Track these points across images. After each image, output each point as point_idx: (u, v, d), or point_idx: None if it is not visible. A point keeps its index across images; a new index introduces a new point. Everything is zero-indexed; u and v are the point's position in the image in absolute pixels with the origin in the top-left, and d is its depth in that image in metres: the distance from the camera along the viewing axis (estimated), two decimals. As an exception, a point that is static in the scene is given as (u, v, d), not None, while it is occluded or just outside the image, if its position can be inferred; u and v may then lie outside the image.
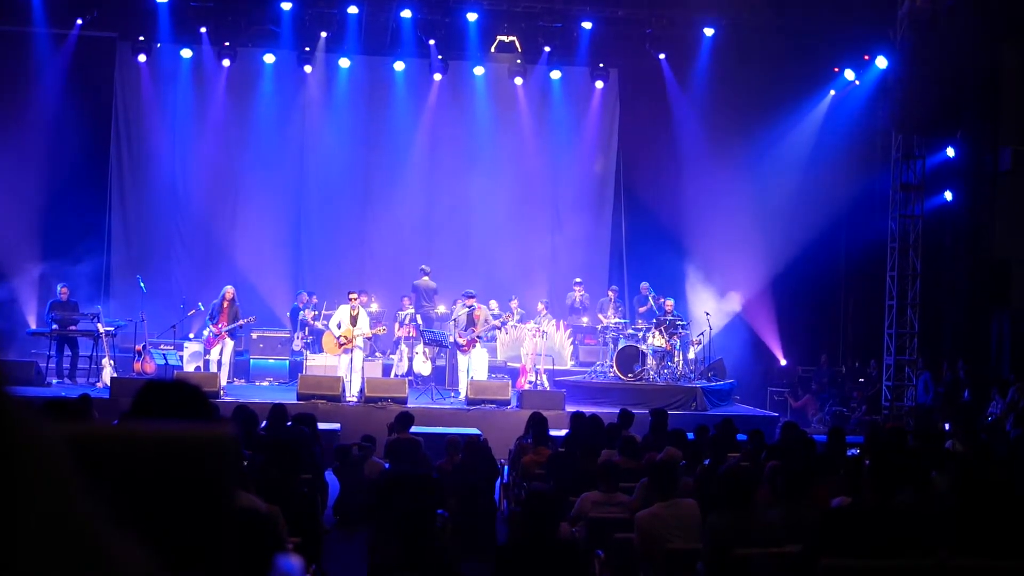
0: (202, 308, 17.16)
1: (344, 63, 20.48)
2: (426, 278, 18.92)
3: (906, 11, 17.62)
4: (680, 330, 17.63)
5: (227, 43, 19.55)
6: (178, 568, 0.99)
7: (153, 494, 0.99)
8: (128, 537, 0.90)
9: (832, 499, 6.58)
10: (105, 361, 16.58)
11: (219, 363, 16.38)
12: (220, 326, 16.35)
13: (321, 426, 12.73)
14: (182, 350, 17.42)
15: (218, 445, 1.02)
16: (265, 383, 17.62)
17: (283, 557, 4.02)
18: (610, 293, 19.28)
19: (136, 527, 0.97)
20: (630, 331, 17.80)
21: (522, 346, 18.13)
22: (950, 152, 19.62)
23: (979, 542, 4.98)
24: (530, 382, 17.34)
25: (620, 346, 17.45)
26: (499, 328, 18.08)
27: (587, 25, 19.78)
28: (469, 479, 9.45)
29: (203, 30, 19.40)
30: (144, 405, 2.37)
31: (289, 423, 10.32)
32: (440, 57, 20.20)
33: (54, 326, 16.62)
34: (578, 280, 19.86)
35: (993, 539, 4.99)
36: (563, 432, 10.78)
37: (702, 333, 18.24)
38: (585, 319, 19.45)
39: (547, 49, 20.27)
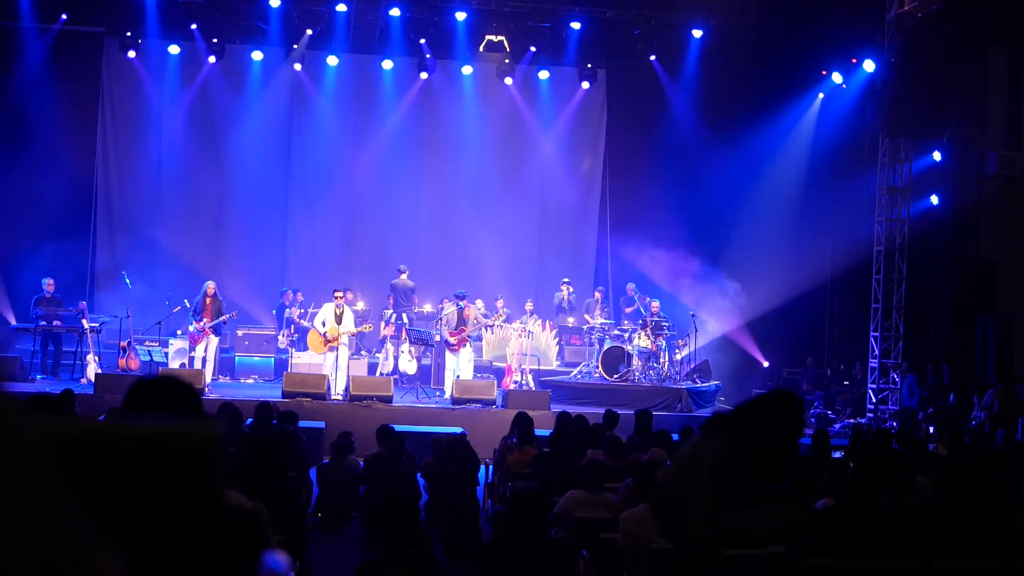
0: (187, 305, 17.10)
1: (332, 61, 20.44)
2: (404, 276, 18.77)
3: (894, 15, 17.70)
4: (666, 331, 17.64)
5: (215, 39, 19.50)
6: (165, 566, 0.98)
7: (140, 491, 0.98)
8: (102, 541, 0.89)
9: (816, 501, 6.60)
10: (90, 357, 16.51)
11: (204, 360, 16.30)
12: (204, 322, 16.25)
13: (306, 424, 12.73)
14: (167, 347, 17.35)
15: (206, 442, 1.02)
16: (250, 380, 17.59)
17: (269, 554, 4.02)
18: (596, 294, 19.31)
19: (123, 525, 0.97)
20: (616, 332, 17.82)
21: (508, 346, 18.12)
22: (936, 156, 19.67)
23: (962, 544, 5.01)
24: (515, 382, 17.32)
25: (606, 347, 17.47)
26: (489, 327, 18.06)
27: (576, 25, 19.78)
28: (450, 477, 9.45)
29: (193, 26, 19.34)
30: (136, 401, 2.37)
31: (275, 421, 10.32)
32: (428, 56, 20.18)
33: (40, 322, 16.53)
34: (566, 279, 19.85)
35: (976, 541, 5.01)
36: (548, 432, 10.77)
37: (688, 334, 18.24)
38: (571, 319, 19.43)
39: (533, 49, 20.26)
